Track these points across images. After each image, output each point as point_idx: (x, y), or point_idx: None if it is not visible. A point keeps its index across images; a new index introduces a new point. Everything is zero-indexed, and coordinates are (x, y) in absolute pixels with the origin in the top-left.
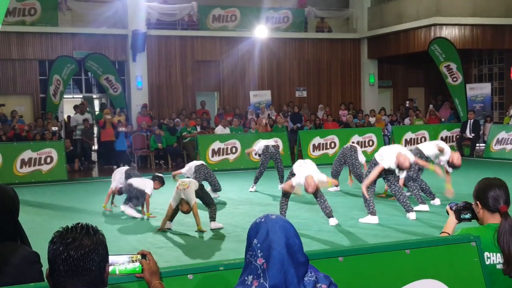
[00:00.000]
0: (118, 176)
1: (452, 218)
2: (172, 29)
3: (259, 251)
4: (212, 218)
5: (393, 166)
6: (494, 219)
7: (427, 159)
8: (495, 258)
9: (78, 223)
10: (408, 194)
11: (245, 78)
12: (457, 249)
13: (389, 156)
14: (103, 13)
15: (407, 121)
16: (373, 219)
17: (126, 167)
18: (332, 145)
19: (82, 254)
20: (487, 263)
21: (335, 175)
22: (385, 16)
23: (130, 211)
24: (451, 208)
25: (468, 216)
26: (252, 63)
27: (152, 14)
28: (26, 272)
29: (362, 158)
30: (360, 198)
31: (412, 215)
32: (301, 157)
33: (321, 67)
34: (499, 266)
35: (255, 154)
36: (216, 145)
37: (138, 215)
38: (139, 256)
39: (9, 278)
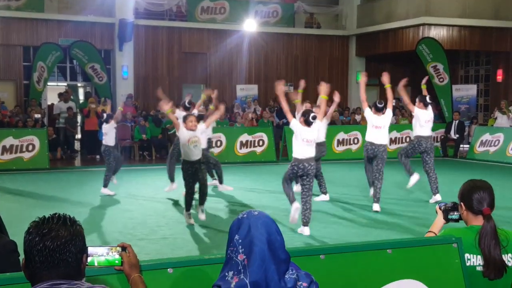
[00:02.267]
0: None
1: (440, 217)
2: (160, 19)
3: (240, 247)
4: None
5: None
6: (477, 221)
7: None
8: (475, 260)
9: (55, 214)
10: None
11: (232, 72)
12: (438, 250)
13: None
14: (90, 1)
15: (392, 119)
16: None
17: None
18: None
19: (58, 245)
20: (467, 264)
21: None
22: (374, 14)
23: (105, 191)
24: (440, 208)
25: (455, 216)
26: (240, 56)
27: (140, 3)
28: (3, 261)
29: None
30: (340, 202)
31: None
32: (286, 152)
33: (308, 63)
34: (478, 268)
35: None
36: None
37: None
38: (119, 248)
39: None
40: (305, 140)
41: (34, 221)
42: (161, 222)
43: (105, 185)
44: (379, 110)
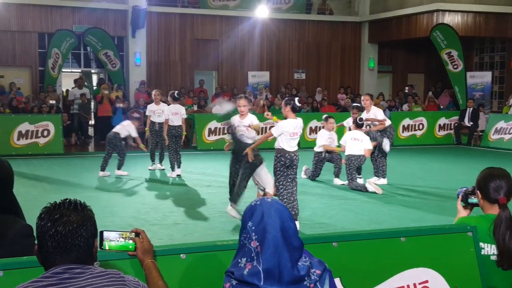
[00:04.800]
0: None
1: (459, 205)
2: (172, 6)
3: (253, 233)
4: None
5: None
6: (493, 210)
7: None
8: (489, 249)
9: (66, 199)
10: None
11: (244, 58)
12: (453, 239)
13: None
14: None
15: (405, 107)
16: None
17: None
18: None
19: (70, 230)
20: (482, 253)
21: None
22: (387, 0)
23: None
24: (458, 195)
25: (475, 200)
26: (252, 43)
27: None
28: (20, 245)
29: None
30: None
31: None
32: None
33: (321, 49)
34: (493, 258)
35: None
36: (213, 124)
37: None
38: (132, 234)
39: (2, 251)
40: (292, 135)
41: (45, 207)
42: (173, 208)
43: (119, 167)
44: (359, 126)
